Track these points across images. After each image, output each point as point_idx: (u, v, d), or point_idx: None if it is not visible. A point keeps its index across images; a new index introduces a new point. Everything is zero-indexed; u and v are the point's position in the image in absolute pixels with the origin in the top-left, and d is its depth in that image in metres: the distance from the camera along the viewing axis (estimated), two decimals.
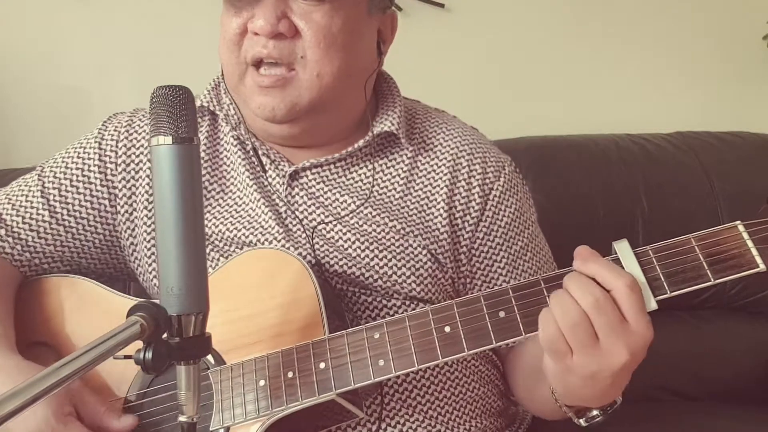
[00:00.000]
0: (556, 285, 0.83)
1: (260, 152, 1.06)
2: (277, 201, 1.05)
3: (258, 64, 0.99)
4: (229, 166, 1.09)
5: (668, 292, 0.81)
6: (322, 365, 0.87)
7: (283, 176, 1.05)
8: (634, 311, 0.78)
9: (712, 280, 0.81)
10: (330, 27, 0.97)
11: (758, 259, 0.80)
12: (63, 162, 1.10)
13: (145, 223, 1.07)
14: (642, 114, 1.97)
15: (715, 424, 1.50)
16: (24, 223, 1.07)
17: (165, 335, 0.75)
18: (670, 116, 1.96)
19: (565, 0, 1.94)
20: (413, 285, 1.01)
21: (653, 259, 0.82)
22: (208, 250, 1.03)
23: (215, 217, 1.05)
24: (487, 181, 1.08)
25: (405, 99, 1.14)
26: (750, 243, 0.81)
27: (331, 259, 1.01)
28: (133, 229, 1.08)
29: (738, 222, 0.83)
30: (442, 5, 1.87)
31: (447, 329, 0.85)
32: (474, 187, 1.07)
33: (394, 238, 1.02)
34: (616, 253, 0.83)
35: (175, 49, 1.77)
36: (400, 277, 1.01)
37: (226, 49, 1.01)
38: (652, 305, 0.81)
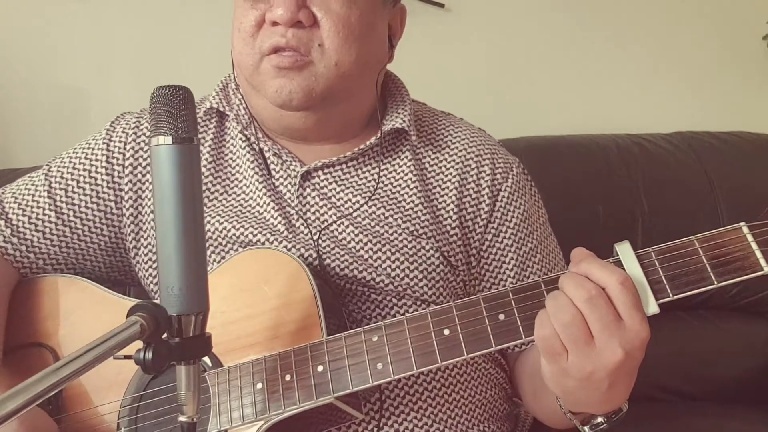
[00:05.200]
0: (557, 287, 0.81)
1: (271, 152, 1.06)
2: (288, 202, 1.04)
3: (275, 52, 0.98)
4: (234, 168, 1.08)
5: (670, 295, 0.80)
6: (320, 368, 0.86)
7: (295, 176, 1.05)
8: (627, 307, 0.77)
9: (715, 283, 0.79)
10: (348, 17, 0.97)
11: (762, 262, 0.79)
12: (71, 162, 1.10)
13: (151, 227, 1.06)
14: (642, 114, 1.97)
15: (716, 425, 1.50)
16: (30, 223, 1.07)
17: (165, 335, 0.74)
18: (670, 116, 1.96)
19: (565, 0, 1.94)
20: (425, 288, 1.01)
21: (655, 261, 0.81)
22: (209, 250, 1.02)
23: (219, 215, 1.04)
24: (496, 182, 1.08)
25: (413, 101, 1.14)
26: (754, 245, 0.79)
27: (342, 261, 1.00)
28: (137, 233, 1.08)
29: (742, 223, 0.81)
30: (442, 5, 1.86)
31: (446, 332, 0.84)
32: (483, 188, 1.07)
33: (407, 239, 1.01)
34: (617, 255, 0.82)
35: (175, 49, 1.77)
36: (412, 279, 1.00)
37: (240, 41, 1.00)
38: (654, 308, 0.79)
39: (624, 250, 0.82)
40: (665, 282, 0.80)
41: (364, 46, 0.99)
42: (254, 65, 1.00)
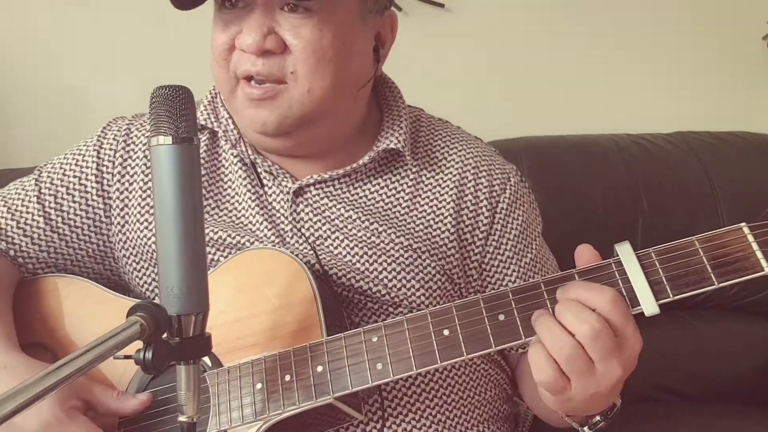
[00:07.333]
0: (556, 288, 0.82)
1: (262, 168, 1.05)
2: (281, 219, 1.03)
3: (248, 78, 0.96)
4: (226, 183, 1.07)
5: (671, 295, 0.80)
6: (319, 368, 0.86)
7: (287, 193, 1.04)
8: (621, 323, 0.78)
9: (716, 283, 0.79)
10: (320, 41, 0.94)
11: (763, 262, 0.79)
12: (61, 168, 1.09)
13: (137, 236, 1.06)
14: (642, 114, 1.97)
15: (715, 424, 1.50)
16: (18, 228, 1.07)
17: (165, 335, 0.74)
18: (670, 116, 1.96)
19: (565, 0, 1.94)
20: (422, 297, 1.00)
21: (656, 262, 0.81)
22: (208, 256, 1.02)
23: (212, 226, 1.03)
24: (494, 193, 1.07)
25: (409, 107, 1.12)
26: (755, 246, 0.79)
27: (338, 271, 0.99)
28: (125, 242, 1.07)
29: (743, 224, 0.81)
30: (442, 5, 1.86)
31: (446, 332, 0.84)
32: (481, 201, 1.06)
33: (402, 251, 1.01)
34: (617, 255, 0.82)
35: (175, 49, 1.77)
36: (409, 290, 1.00)
37: (215, 63, 0.99)
38: (654, 309, 0.80)
39: (624, 250, 0.82)
40: (665, 282, 0.80)
41: (340, 67, 0.96)
42: (230, 90, 0.99)
